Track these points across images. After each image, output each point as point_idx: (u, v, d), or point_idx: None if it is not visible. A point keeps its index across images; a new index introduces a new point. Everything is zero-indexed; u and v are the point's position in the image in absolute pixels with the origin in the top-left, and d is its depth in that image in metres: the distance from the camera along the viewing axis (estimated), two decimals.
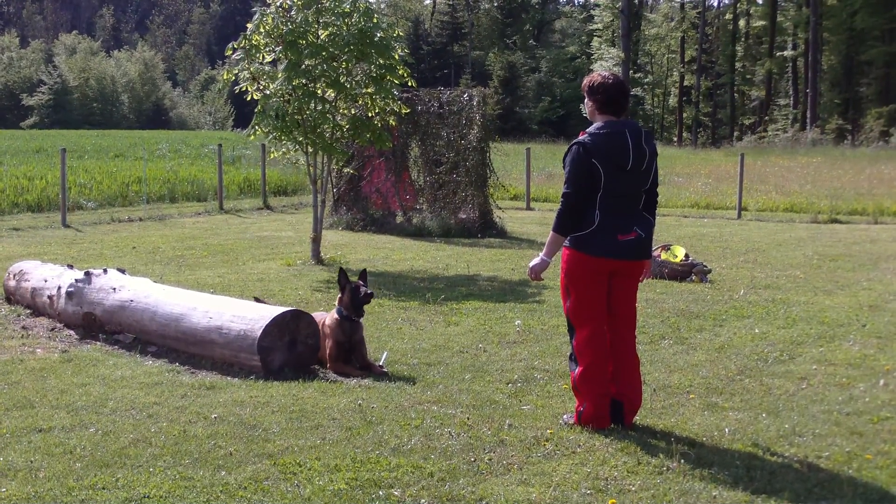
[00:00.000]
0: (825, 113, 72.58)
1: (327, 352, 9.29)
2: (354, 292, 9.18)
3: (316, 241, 16.41)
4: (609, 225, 7.08)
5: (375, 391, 8.28)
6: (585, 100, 7.38)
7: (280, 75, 15.36)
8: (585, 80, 7.41)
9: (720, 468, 6.46)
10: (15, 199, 25.80)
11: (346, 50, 15.48)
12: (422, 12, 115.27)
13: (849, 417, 7.64)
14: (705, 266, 14.90)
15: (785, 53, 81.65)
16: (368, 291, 9.22)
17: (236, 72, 16.08)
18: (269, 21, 15.54)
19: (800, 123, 72.26)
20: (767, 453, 6.81)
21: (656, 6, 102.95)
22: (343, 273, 9.38)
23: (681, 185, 32.84)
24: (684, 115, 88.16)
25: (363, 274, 9.51)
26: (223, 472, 6.29)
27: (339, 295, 9.30)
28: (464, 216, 21.34)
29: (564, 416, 7.50)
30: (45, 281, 11.43)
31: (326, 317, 9.43)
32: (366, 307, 9.39)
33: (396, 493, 6.00)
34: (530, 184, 29.35)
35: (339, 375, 9.01)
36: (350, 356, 9.21)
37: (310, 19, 15.50)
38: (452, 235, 20.71)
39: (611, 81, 7.28)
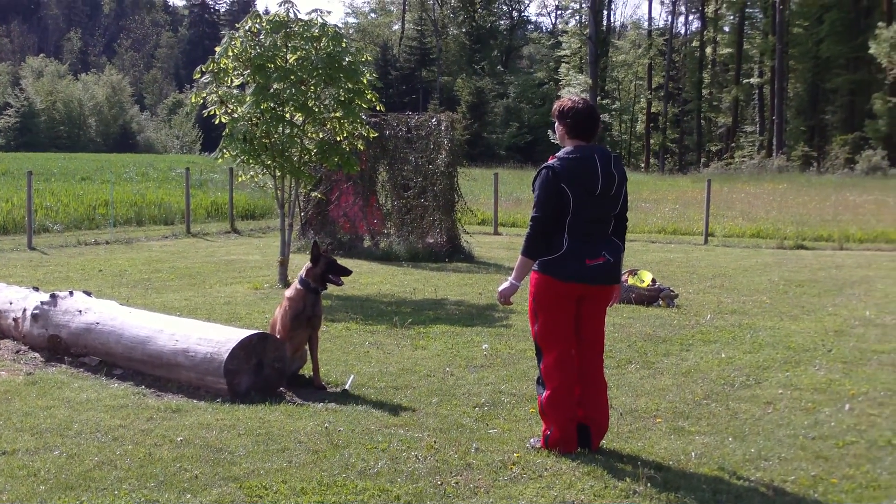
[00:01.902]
0: (791, 140, 73.28)
1: (279, 322, 9.47)
2: (332, 264, 9.40)
3: (283, 264, 16.38)
4: (578, 249, 7.08)
5: (342, 414, 8.25)
6: (556, 124, 7.39)
7: (248, 99, 15.34)
8: (556, 105, 7.43)
9: (686, 492, 6.48)
10: None
11: (314, 74, 15.48)
12: (390, 37, 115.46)
13: (814, 442, 7.67)
14: (672, 291, 14.95)
15: (751, 81, 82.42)
16: (341, 268, 9.47)
17: (204, 95, 16.06)
18: (238, 45, 15.53)
19: (766, 150, 72.92)
20: (733, 477, 6.83)
21: (624, 33, 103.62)
22: (316, 244, 9.57)
23: (648, 210, 32.99)
24: (651, 141, 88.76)
25: (328, 249, 9.67)
26: (189, 495, 6.25)
27: (309, 266, 9.42)
28: (431, 241, 21.35)
29: (531, 440, 7.50)
30: (10, 303, 11.34)
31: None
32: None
33: None
34: (498, 209, 29.42)
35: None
36: (306, 332, 9.41)
37: (278, 43, 15.50)
38: (420, 260, 20.71)
39: (581, 106, 7.30)
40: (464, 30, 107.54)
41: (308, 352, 9.58)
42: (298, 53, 15.58)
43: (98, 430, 7.67)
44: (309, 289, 9.36)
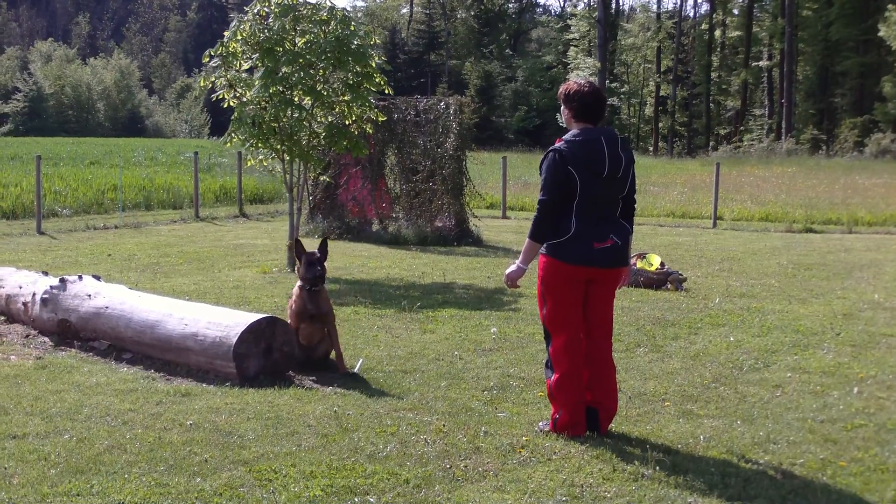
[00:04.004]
0: (800, 123, 73.08)
1: (288, 320, 9.57)
2: (307, 266, 9.34)
3: (292, 248, 16.38)
4: (585, 232, 7.08)
5: (351, 398, 8.27)
6: (562, 107, 7.39)
7: (257, 82, 15.32)
8: (562, 88, 7.42)
9: (695, 475, 6.48)
10: None
11: (322, 57, 15.46)
12: (399, 21, 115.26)
13: (823, 425, 7.67)
14: (681, 274, 14.94)
15: (760, 64, 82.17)
16: (317, 271, 9.33)
17: (213, 79, 16.05)
18: (247, 28, 15.51)
19: (775, 133, 72.73)
20: (742, 460, 6.83)
21: (632, 16, 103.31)
22: (299, 243, 9.62)
23: (656, 194, 32.95)
24: (660, 124, 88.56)
25: (322, 244, 9.60)
26: (198, 479, 6.27)
27: (297, 265, 9.51)
28: (440, 224, 21.34)
29: (540, 424, 7.50)
30: (20, 287, 11.37)
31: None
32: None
33: (372, 499, 5.99)
34: (506, 192, 29.39)
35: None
36: (313, 326, 9.43)
37: (287, 27, 15.47)
38: (428, 243, 20.71)
39: (587, 89, 7.28)
40: (472, 13, 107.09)
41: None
42: (307, 37, 15.57)
43: (108, 414, 7.69)
44: (303, 287, 9.43)
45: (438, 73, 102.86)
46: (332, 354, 9.55)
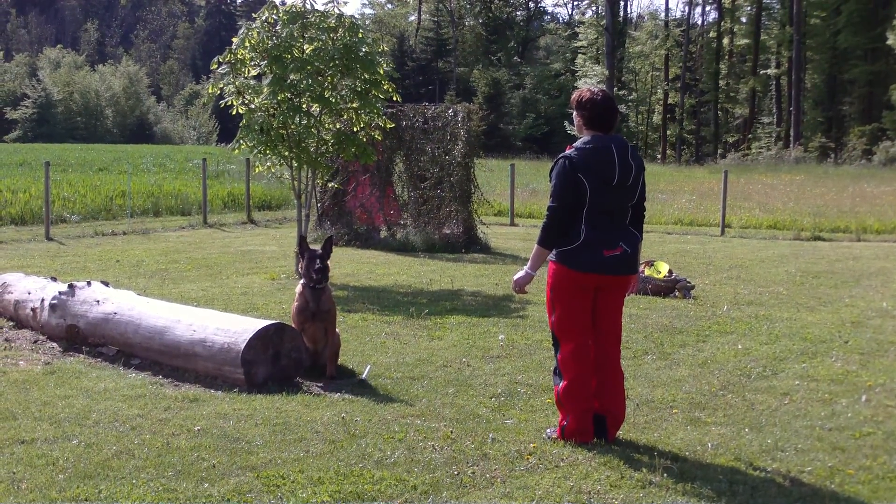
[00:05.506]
0: (808, 131, 72.96)
1: (292, 315, 9.76)
2: (308, 263, 9.51)
3: None
4: (595, 240, 7.08)
5: (359, 404, 8.27)
6: (574, 114, 7.40)
7: (265, 89, 15.34)
8: (574, 95, 7.43)
9: (703, 483, 6.48)
10: None
11: (331, 65, 15.49)
12: (407, 28, 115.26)
13: (831, 433, 7.67)
14: (689, 282, 14.93)
15: (768, 72, 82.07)
16: (317, 267, 9.46)
17: (221, 86, 16.06)
18: (255, 35, 15.54)
19: (783, 141, 72.62)
20: (750, 468, 6.83)
21: (640, 24, 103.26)
22: (303, 240, 9.91)
23: (665, 201, 32.91)
24: (668, 132, 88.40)
25: (326, 243, 9.71)
26: (206, 485, 6.28)
27: (301, 263, 9.72)
28: (448, 231, 21.34)
29: (548, 431, 7.51)
30: (29, 293, 11.39)
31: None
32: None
33: None
34: (514, 200, 29.41)
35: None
36: (315, 325, 9.51)
37: (295, 34, 15.49)
38: (436, 250, 20.69)
39: (599, 97, 7.29)
40: (480, 20, 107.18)
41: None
42: (315, 44, 15.58)
43: (116, 420, 7.70)
44: (307, 284, 9.52)
45: (446, 80, 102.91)
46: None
